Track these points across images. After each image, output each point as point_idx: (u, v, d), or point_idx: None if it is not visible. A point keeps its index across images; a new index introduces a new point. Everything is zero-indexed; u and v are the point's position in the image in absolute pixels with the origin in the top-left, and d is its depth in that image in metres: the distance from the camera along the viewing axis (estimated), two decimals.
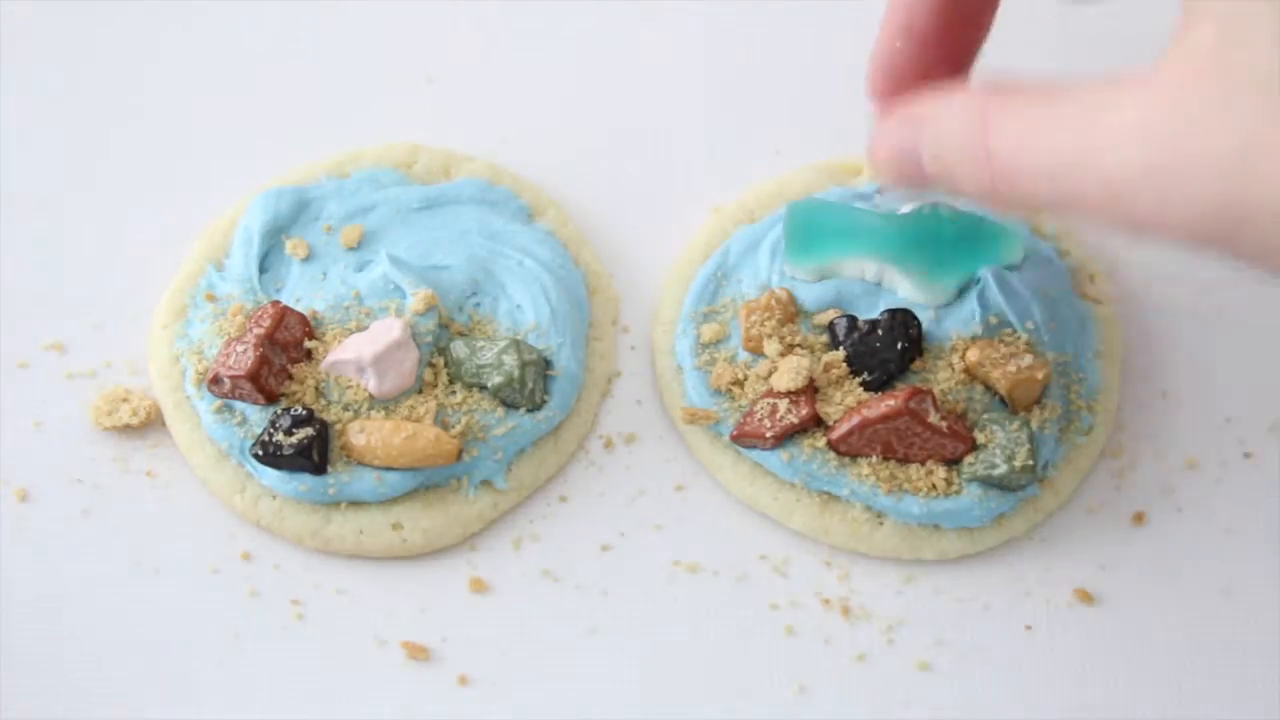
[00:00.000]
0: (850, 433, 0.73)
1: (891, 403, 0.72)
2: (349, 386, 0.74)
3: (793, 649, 0.74)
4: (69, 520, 0.75)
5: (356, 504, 0.75)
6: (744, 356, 0.76)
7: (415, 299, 0.75)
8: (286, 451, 0.72)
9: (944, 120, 0.61)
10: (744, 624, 0.74)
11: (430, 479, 0.75)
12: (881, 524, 0.75)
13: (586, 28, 0.87)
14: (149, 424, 0.77)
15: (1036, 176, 0.57)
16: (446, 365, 0.75)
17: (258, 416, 0.74)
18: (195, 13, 0.86)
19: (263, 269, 0.77)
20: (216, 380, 0.73)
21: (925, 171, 0.63)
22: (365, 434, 0.73)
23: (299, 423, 0.73)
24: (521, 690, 0.73)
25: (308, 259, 0.78)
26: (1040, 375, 0.74)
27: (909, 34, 0.67)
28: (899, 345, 0.74)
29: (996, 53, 0.87)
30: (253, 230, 0.77)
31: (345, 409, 0.74)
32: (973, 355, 0.74)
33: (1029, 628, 0.74)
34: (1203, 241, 0.54)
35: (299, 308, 0.75)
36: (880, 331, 0.74)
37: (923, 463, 0.74)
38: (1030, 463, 0.73)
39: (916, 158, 0.63)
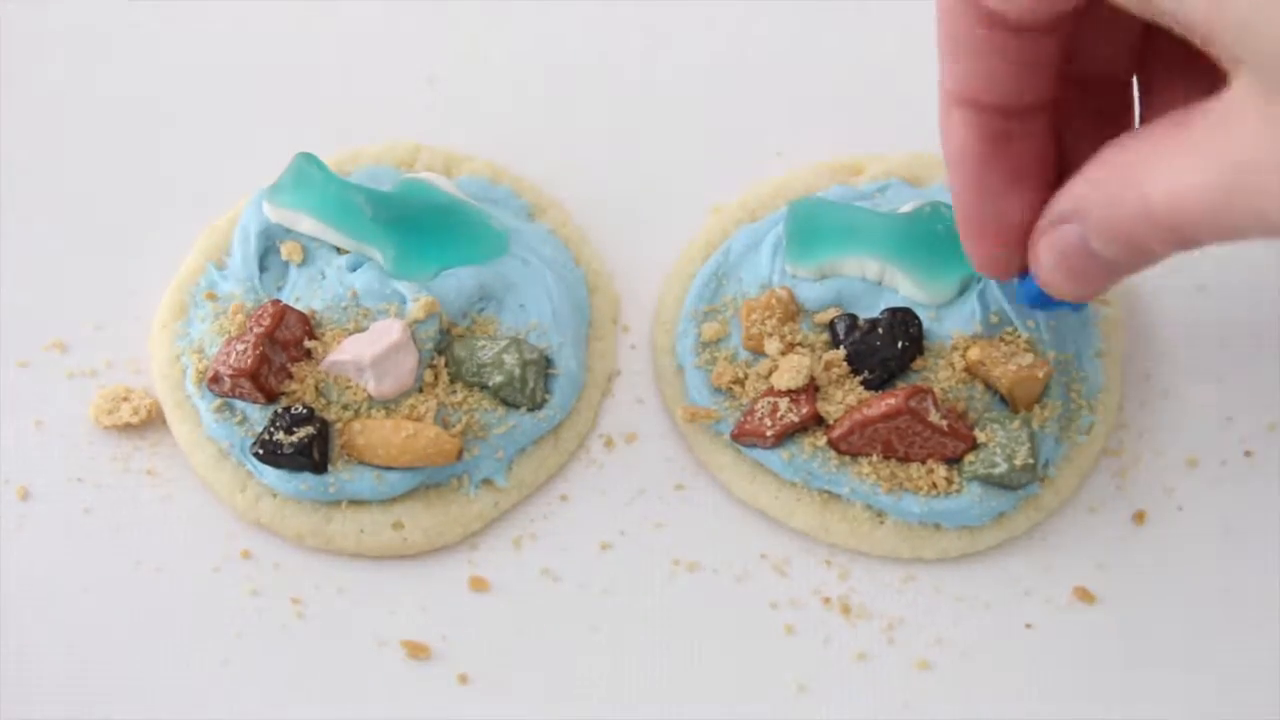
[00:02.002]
0: (851, 431, 0.73)
1: (892, 401, 0.72)
2: (349, 386, 0.74)
3: (793, 648, 0.74)
4: (69, 519, 0.75)
5: (357, 503, 0.75)
6: (744, 355, 0.76)
7: (416, 306, 0.74)
8: (287, 450, 0.72)
9: (1092, 197, 0.59)
10: (744, 623, 0.74)
11: (431, 478, 0.75)
12: (882, 523, 0.75)
13: (587, 28, 0.87)
14: (150, 423, 0.77)
15: (1195, 213, 0.56)
16: (447, 365, 0.75)
17: (258, 415, 0.74)
18: (195, 13, 0.87)
19: (263, 268, 0.77)
20: (216, 379, 0.73)
21: (1099, 257, 0.61)
22: (366, 433, 0.73)
23: (299, 422, 0.73)
24: (521, 689, 0.73)
25: (304, 262, 0.77)
26: (1041, 374, 0.74)
27: (977, 188, 0.64)
28: (899, 344, 0.74)
29: None
30: (253, 230, 0.77)
31: (345, 408, 0.74)
32: (973, 354, 0.74)
33: (1029, 626, 0.74)
34: None
35: (299, 307, 0.75)
36: (881, 330, 0.74)
37: (923, 461, 0.74)
38: (1030, 461, 0.73)
39: (1086, 249, 0.61)
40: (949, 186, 0.65)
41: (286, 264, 0.77)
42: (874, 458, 0.74)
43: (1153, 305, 0.81)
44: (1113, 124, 0.65)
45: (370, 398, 0.74)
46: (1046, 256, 0.63)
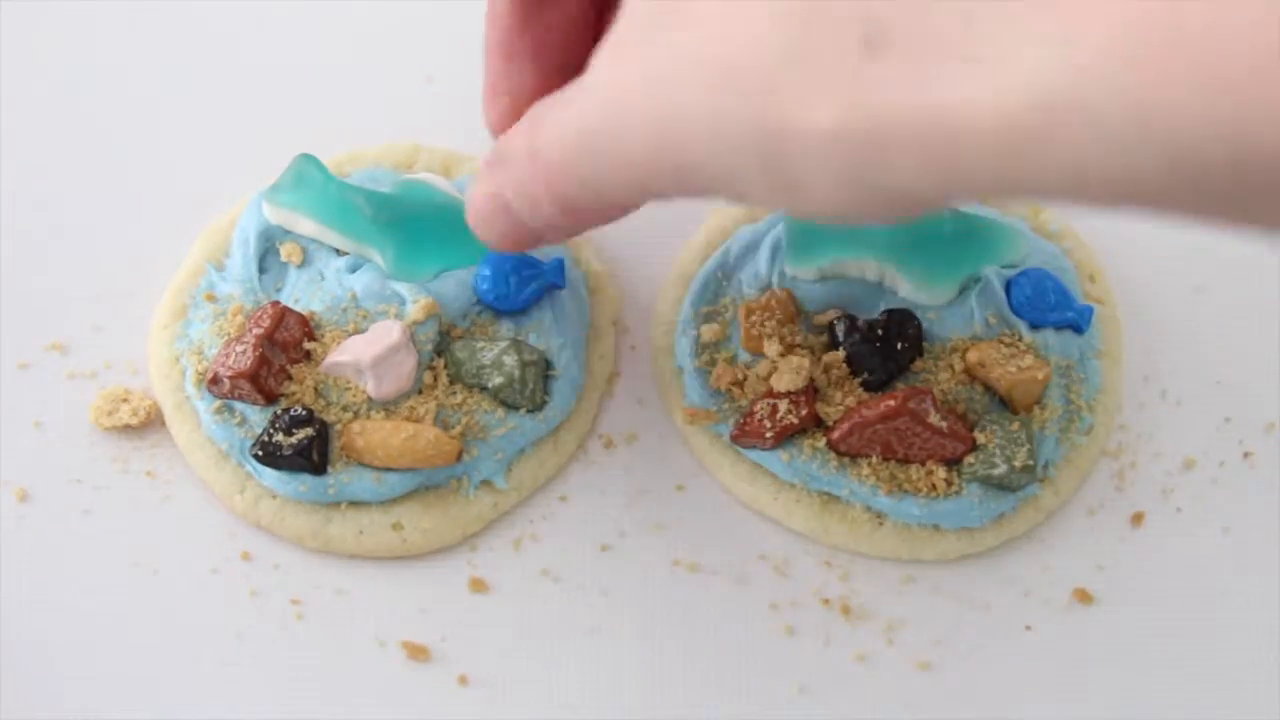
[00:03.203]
0: (850, 433, 0.73)
1: (891, 403, 0.72)
2: (348, 388, 0.74)
3: (793, 649, 0.74)
4: (69, 520, 0.75)
5: (356, 504, 0.75)
6: (744, 357, 0.76)
7: (415, 308, 0.74)
8: (286, 452, 0.72)
9: (508, 141, 0.55)
10: (744, 624, 0.74)
11: (430, 479, 0.75)
12: (881, 524, 0.75)
13: None
14: (149, 424, 0.77)
15: (568, 161, 0.52)
16: (447, 366, 0.75)
17: (257, 417, 0.74)
18: (195, 12, 0.87)
19: (262, 269, 0.77)
20: (216, 380, 0.73)
21: (514, 213, 0.56)
22: (365, 434, 0.73)
23: (298, 423, 0.73)
24: (521, 690, 0.73)
25: (303, 264, 0.77)
26: (1040, 376, 0.74)
27: (503, 50, 0.61)
28: (899, 345, 0.74)
29: None
30: (252, 231, 0.77)
31: (345, 409, 0.74)
32: (973, 356, 0.74)
33: (1028, 628, 0.74)
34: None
35: (298, 308, 0.75)
36: (880, 332, 0.74)
37: (923, 463, 0.74)
38: (1030, 463, 0.73)
39: (502, 199, 0.57)
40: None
41: (286, 265, 0.77)
42: (873, 459, 0.74)
43: (1152, 306, 0.81)
44: None
45: (369, 399, 0.74)
46: (471, 196, 0.60)
